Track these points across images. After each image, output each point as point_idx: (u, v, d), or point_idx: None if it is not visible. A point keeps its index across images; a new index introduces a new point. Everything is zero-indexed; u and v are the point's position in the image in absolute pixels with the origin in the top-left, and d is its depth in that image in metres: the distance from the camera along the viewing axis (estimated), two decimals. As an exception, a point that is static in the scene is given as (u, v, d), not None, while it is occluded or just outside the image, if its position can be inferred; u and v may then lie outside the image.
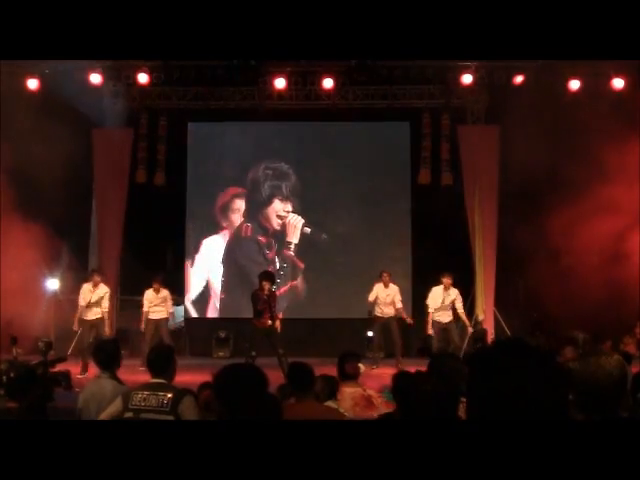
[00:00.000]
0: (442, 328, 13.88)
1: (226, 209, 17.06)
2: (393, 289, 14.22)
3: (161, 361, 5.39)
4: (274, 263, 16.78)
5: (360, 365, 7.11)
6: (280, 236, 16.96)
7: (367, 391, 6.64)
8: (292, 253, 16.86)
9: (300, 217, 16.93)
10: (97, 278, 13.71)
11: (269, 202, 17.03)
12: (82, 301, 13.53)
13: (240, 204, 17.06)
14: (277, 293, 13.98)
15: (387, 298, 14.14)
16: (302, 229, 16.87)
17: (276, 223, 16.96)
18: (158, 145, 16.54)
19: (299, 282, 16.83)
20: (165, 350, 5.77)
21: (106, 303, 13.67)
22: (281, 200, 17.00)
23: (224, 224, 17.06)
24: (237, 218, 17.05)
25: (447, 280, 13.94)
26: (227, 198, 17.07)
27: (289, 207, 16.98)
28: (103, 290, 13.70)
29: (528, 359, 1.85)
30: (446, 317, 13.92)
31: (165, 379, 5.28)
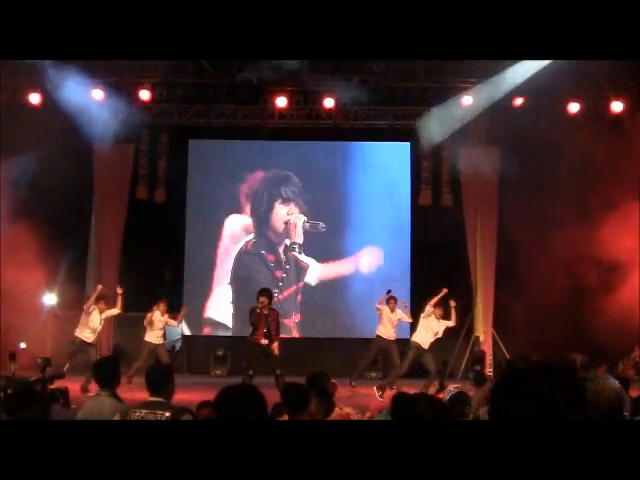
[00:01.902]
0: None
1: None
2: (398, 314, 14.05)
3: (159, 379, 5.37)
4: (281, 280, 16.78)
5: (333, 381, 7.14)
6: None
7: (344, 409, 6.61)
8: (296, 254, 16.82)
9: (301, 215, 16.89)
10: (101, 306, 13.62)
11: (271, 208, 16.98)
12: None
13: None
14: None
15: (394, 322, 13.98)
16: (303, 226, 16.85)
17: (282, 229, 16.93)
18: (159, 162, 16.59)
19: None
20: (163, 368, 5.76)
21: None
22: (282, 203, 16.97)
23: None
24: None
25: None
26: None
27: (293, 209, 16.93)
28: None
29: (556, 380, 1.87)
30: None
31: (163, 397, 5.26)
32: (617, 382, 2.76)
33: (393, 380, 13.70)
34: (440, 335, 13.52)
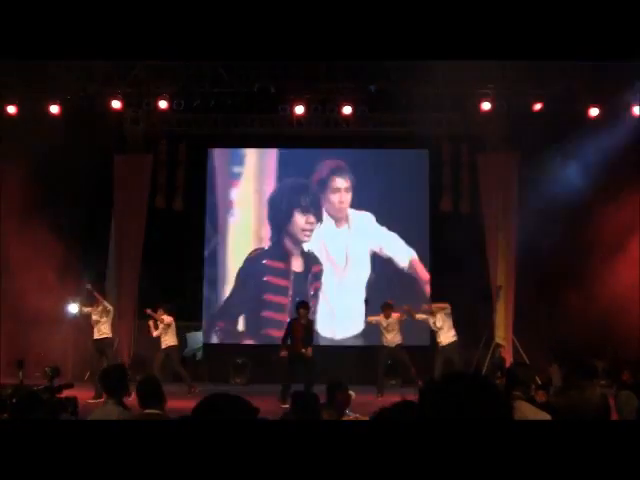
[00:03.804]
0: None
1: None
2: (394, 318, 14.28)
3: (152, 392, 5.38)
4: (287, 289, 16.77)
5: (351, 393, 7.15)
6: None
7: (359, 418, 6.61)
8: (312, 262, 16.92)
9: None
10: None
11: (290, 216, 16.97)
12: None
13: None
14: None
15: (388, 327, 14.26)
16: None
17: (302, 235, 16.91)
18: (177, 171, 16.66)
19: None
20: (153, 381, 5.75)
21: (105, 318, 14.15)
22: (302, 213, 16.96)
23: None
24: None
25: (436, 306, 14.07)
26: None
27: (312, 219, 16.92)
28: (102, 308, 14.12)
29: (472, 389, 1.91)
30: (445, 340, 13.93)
31: (159, 409, 5.27)
32: (601, 389, 2.74)
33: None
34: (439, 324, 13.88)
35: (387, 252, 16.66)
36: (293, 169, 17.17)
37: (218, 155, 17.33)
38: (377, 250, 16.68)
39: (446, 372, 12.18)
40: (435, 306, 14.02)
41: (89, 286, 14.26)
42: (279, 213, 16.99)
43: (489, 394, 1.93)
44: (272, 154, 17.26)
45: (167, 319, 14.50)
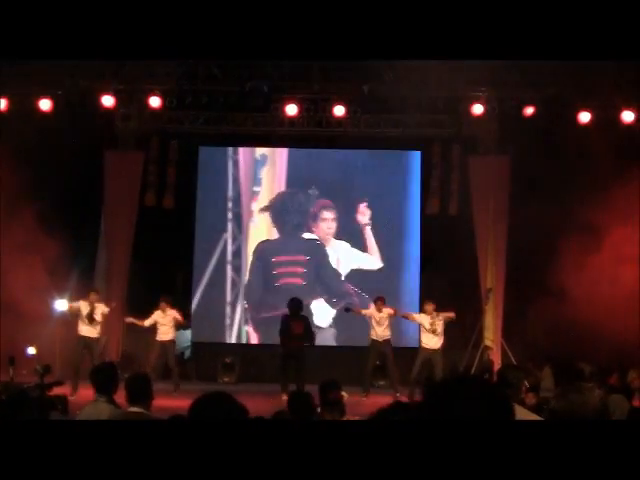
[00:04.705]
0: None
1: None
2: (386, 312, 14.33)
3: (139, 389, 5.34)
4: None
5: (343, 393, 7.15)
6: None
7: (350, 419, 6.60)
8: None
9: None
10: (93, 297, 14.17)
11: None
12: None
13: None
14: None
15: (381, 321, 14.26)
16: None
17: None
18: (168, 169, 16.60)
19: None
20: (141, 377, 5.72)
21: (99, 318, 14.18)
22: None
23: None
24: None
25: (429, 307, 13.98)
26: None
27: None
28: (100, 309, 14.18)
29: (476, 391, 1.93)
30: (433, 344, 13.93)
31: (142, 407, 5.24)
32: (600, 391, 2.75)
33: (396, 387, 13.83)
34: (439, 330, 13.81)
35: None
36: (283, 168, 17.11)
37: (209, 154, 17.24)
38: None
39: (447, 375, 12.26)
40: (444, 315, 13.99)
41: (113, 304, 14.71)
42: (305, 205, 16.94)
43: (494, 396, 1.95)
44: (263, 154, 17.20)
45: (174, 313, 14.61)
